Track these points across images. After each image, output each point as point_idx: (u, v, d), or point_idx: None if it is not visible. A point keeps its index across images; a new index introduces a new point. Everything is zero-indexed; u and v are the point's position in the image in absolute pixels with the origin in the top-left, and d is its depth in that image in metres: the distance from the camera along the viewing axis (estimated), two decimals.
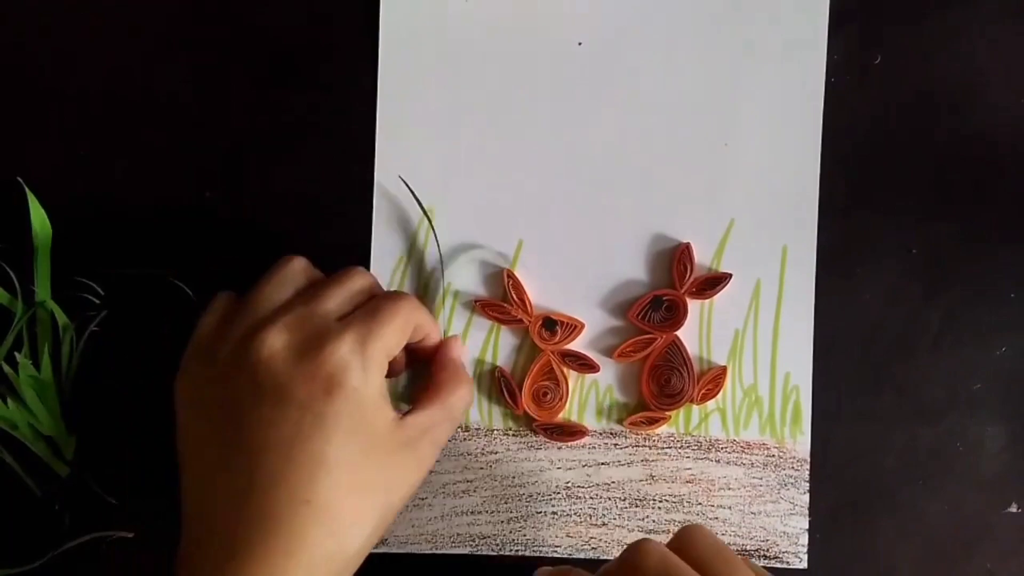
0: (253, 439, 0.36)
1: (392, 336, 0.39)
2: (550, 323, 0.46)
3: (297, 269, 0.41)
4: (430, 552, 0.46)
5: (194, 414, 0.39)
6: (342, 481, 0.37)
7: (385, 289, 0.45)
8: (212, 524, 0.37)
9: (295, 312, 0.38)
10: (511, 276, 0.46)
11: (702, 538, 0.37)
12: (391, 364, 0.41)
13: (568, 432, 0.46)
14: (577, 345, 0.46)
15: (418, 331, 0.42)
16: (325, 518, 0.36)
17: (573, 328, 0.46)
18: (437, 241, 0.46)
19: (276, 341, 0.37)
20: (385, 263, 0.47)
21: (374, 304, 0.40)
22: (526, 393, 0.46)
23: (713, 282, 0.46)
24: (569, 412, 0.46)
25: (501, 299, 0.46)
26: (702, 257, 0.46)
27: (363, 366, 0.38)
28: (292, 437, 0.36)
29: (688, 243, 0.46)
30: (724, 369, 0.46)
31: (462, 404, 0.42)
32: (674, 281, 0.46)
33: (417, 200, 0.46)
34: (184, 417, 0.39)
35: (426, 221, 0.46)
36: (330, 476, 0.36)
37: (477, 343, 0.46)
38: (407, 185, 0.46)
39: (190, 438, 0.39)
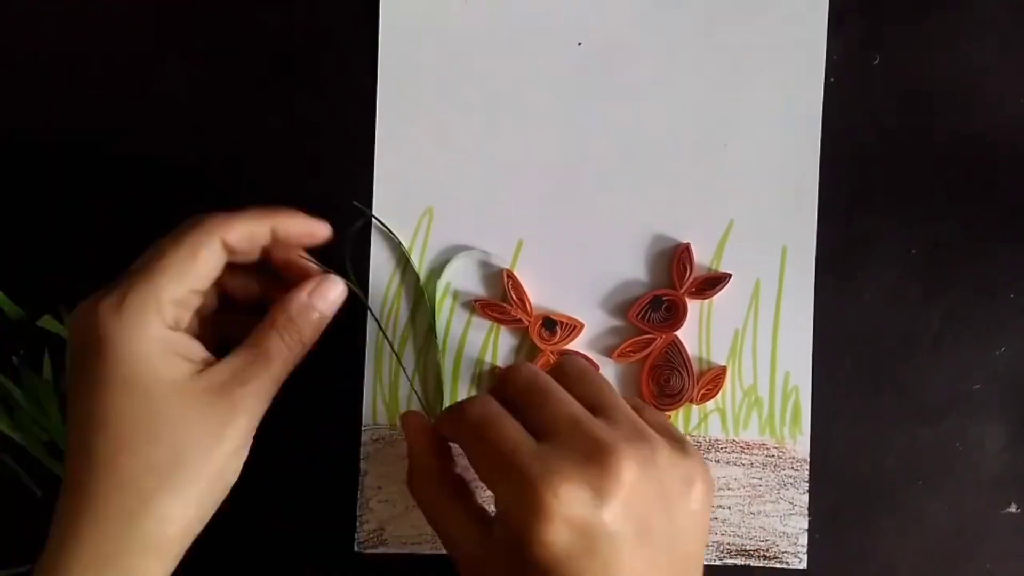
0: (71, 409, 0.38)
1: (161, 279, 0.37)
2: (550, 323, 0.46)
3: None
4: (430, 552, 0.46)
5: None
6: (119, 435, 0.36)
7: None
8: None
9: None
10: (511, 276, 0.46)
11: (572, 362, 0.40)
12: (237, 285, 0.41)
13: None
14: (577, 345, 0.46)
15: (242, 242, 0.39)
16: (105, 471, 0.36)
17: (573, 328, 0.46)
18: (410, 260, 0.46)
19: (78, 308, 0.38)
20: (384, 263, 0.47)
21: (151, 253, 0.38)
22: None
23: (713, 282, 0.46)
24: None
25: (501, 299, 0.46)
26: (702, 257, 0.46)
27: (119, 319, 0.36)
28: (74, 394, 0.37)
29: (688, 243, 0.46)
30: (724, 369, 0.46)
31: (279, 350, 0.39)
32: (674, 281, 0.46)
33: (388, 231, 0.46)
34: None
35: (426, 220, 0.46)
36: (104, 431, 0.36)
37: (477, 343, 0.46)
38: (380, 221, 0.46)
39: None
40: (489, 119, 0.47)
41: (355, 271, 0.46)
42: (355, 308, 0.46)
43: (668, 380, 0.46)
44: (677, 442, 0.37)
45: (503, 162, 0.47)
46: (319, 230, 0.42)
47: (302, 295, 0.40)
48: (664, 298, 0.46)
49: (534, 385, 0.37)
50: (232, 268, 0.41)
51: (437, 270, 0.47)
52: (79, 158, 0.47)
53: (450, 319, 0.46)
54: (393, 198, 0.47)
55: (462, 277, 0.47)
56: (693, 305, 0.46)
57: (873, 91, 0.47)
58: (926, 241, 0.46)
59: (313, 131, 0.47)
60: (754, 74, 0.47)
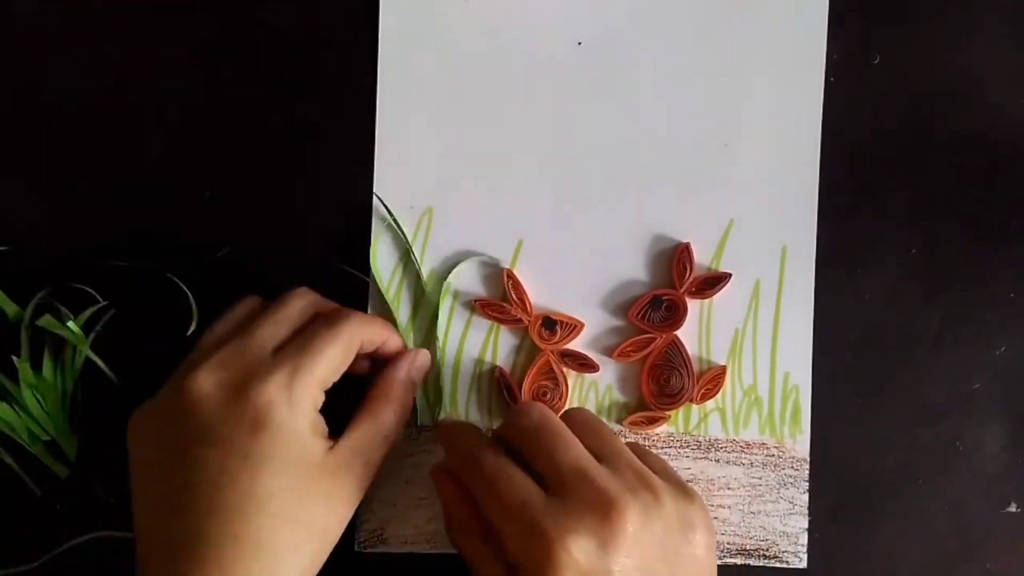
0: (186, 478, 0.38)
1: (324, 366, 0.39)
2: (550, 323, 0.46)
3: (247, 306, 0.43)
4: (430, 552, 0.46)
5: (139, 451, 0.40)
6: (273, 516, 0.37)
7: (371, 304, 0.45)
8: (154, 557, 0.38)
9: (229, 347, 0.39)
10: (511, 276, 0.46)
11: (578, 412, 0.42)
12: (355, 367, 0.42)
13: None
14: (577, 345, 0.46)
15: (368, 344, 0.42)
16: (256, 552, 0.37)
17: (573, 328, 0.46)
18: (418, 261, 0.46)
19: (206, 382, 0.38)
20: (385, 263, 0.47)
21: (310, 331, 0.40)
22: (526, 393, 0.46)
23: (713, 282, 0.46)
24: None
25: (501, 299, 0.46)
26: (702, 257, 0.46)
27: (290, 402, 0.38)
28: (218, 476, 0.37)
29: (688, 243, 0.46)
30: (724, 369, 0.46)
31: (391, 421, 0.41)
32: (674, 281, 0.46)
33: (398, 226, 0.46)
34: (132, 453, 0.40)
35: (425, 221, 0.47)
36: (260, 512, 0.37)
37: (477, 343, 0.46)
38: (387, 210, 0.46)
39: (136, 473, 0.40)
40: (489, 119, 0.47)
41: (358, 270, 0.46)
42: (356, 307, 0.46)
43: (668, 380, 0.46)
44: (679, 486, 0.39)
45: (503, 162, 0.47)
46: (421, 366, 0.45)
47: (403, 371, 0.43)
48: (664, 298, 0.46)
49: (543, 431, 0.39)
50: None
51: (438, 271, 0.47)
52: (78, 159, 0.47)
53: (450, 319, 0.47)
54: (393, 198, 0.47)
55: (463, 277, 0.47)
56: (693, 305, 0.46)
57: (873, 91, 0.47)
58: (926, 241, 0.46)
59: (313, 131, 0.47)
60: (754, 74, 0.47)
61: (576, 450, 0.38)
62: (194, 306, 0.46)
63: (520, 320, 0.46)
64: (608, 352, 0.46)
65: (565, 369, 0.46)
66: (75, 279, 0.46)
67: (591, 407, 0.46)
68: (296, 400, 0.38)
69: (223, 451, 0.37)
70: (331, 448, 0.39)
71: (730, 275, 0.46)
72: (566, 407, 0.46)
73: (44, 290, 0.46)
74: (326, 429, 0.40)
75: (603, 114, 0.47)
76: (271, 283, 0.46)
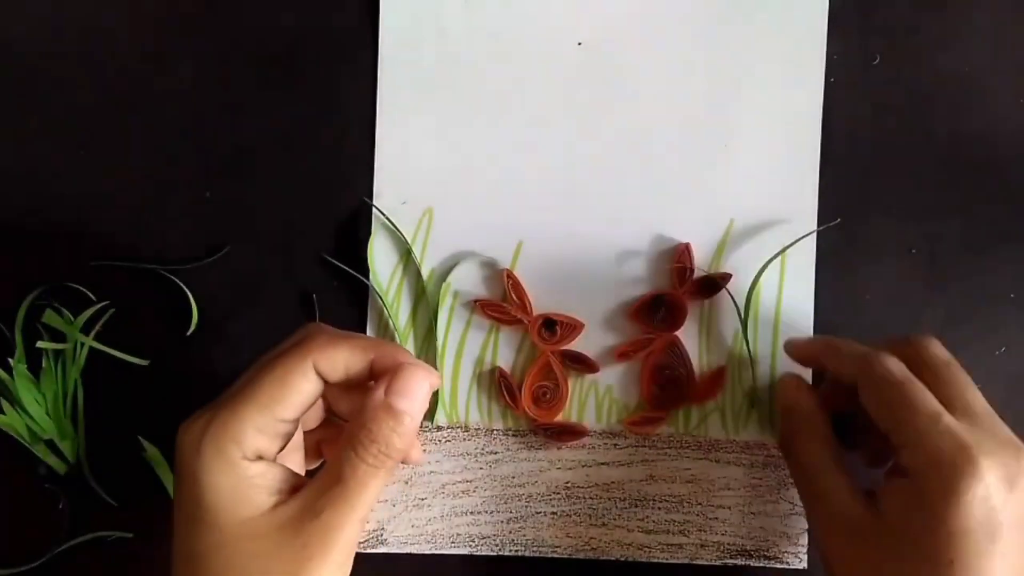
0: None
1: (246, 409, 0.34)
2: (550, 323, 0.46)
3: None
4: (430, 552, 0.46)
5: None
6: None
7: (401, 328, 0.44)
8: None
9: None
10: (511, 276, 0.46)
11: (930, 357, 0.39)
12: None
13: (568, 432, 0.46)
14: (577, 345, 0.46)
15: (339, 372, 0.36)
16: None
17: (573, 328, 0.46)
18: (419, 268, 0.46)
19: (195, 426, 0.35)
20: (385, 263, 0.47)
21: (248, 375, 0.36)
22: (526, 393, 0.46)
23: (713, 283, 0.46)
24: (569, 412, 0.46)
25: (501, 299, 0.46)
26: (702, 257, 0.46)
27: (199, 452, 0.34)
28: (174, 531, 0.36)
29: (688, 243, 0.46)
30: (723, 369, 0.46)
31: (353, 467, 0.34)
32: (674, 281, 0.46)
33: (395, 227, 0.46)
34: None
35: (425, 221, 0.47)
36: (177, 572, 0.35)
37: (477, 343, 0.46)
38: (382, 213, 0.46)
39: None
40: (489, 120, 0.47)
41: (358, 271, 0.46)
42: (355, 307, 0.46)
43: (668, 380, 0.46)
44: None
45: (503, 163, 0.47)
46: (425, 378, 0.36)
47: (377, 395, 0.35)
48: (664, 298, 0.46)
49: (952, 365, 0.39)
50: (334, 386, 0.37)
51: (438, 271, 0.46)
52: (77, 158, 0.47)
53: (450, 319, 0.46)
54: (393, 199, 0.47)
55: (463, 277, 0.47)
56: (693, 305, 0.46)
57: (873, 91, 0.47)
58: (926, 241, 0.46)
59: (313, 132, 0.47)
60: (754, 74, 0.47)
61: (982, 397, 0.38)
62: (194, 306, 0.46)
63: (520, 320, 0.46)
64: (608, 352, 0.46)
65: (565, 369, 0.46)
66: (73, 279, 0.46)
67: (591, 407, 0.46)
68: (205, 449, 0.34)
69: (175, 501, 0.36)
70: (277, 506, 0.35)
71: (730, 276, 0.46)
72: (566, 408, 0.46)
73: (39, 288, 0.46)
74: (283, 482, 0.35)
75: (603, 114, 0.47)
76: (270, 283, 0.46)
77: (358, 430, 0.34)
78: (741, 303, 0.46)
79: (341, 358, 0.35)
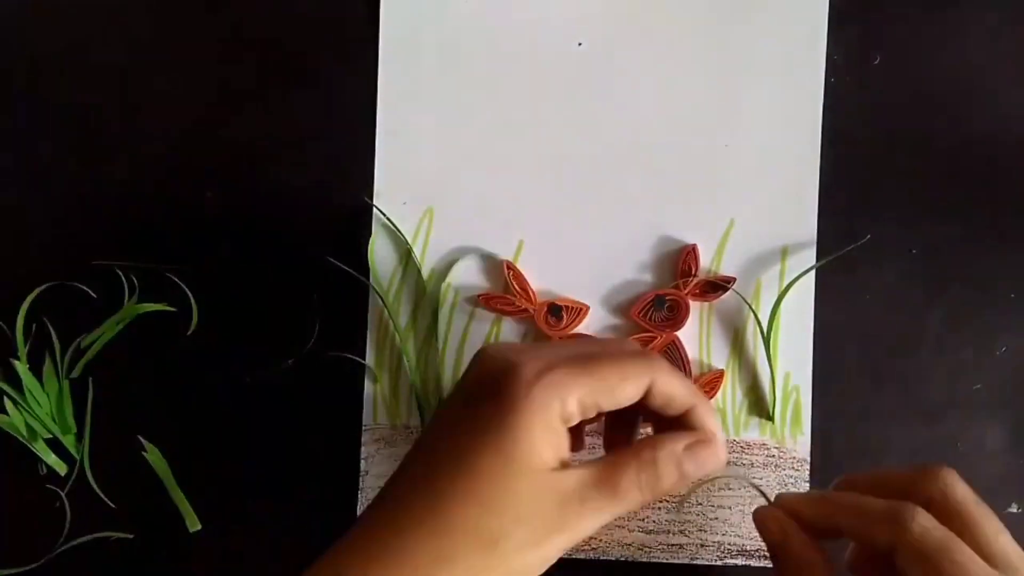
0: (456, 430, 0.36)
1: (588, 378, 0.36)
2: (555, 309, 0.46)
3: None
4: None
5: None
6: (487, 499, 0.34)
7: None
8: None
9: None
10: (511, 267, 0.46)
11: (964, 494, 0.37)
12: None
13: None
14: (583, 330, 0.46)
15: (658, 397, 0.37)
16: (451, 524, 0.34)
17: (579, 312, 0.46)
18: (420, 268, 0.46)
19: (496, 349, 0.37)
20: (385, 264, 0.47)
21: (607, 347, 0.38)
22: None
23: (716, 285, 0.46)
24: None
25: (503, 292, 0.46)
26: (703, 257, 0.46)
27: (531, 385, 0.35)
28: (460, 430, 0.36)
29: (694, 245, 0.46)
30: (721, 373, 0.46)
31: (628, 483, 0.36)
32: (678, 282, 0.46)
33: (395, 227, 0.46)
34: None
35: (426, 221, 0.47)
36: (470, 494, 0.35)
37: (480, 337, 0.46)
38: (383, 213, 0.46)
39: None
40: (489, 120, 0.47)
41: (357, 270, 0.46)
42: (356, 306, 0.46)
43: None
44: None
45: (503, 163, 0.47)
46: (718, 460, 0.37)
47: (678, 446, 0.36)
48: (667, 298, 0.46)
49: (981, 507, 0.36)
50: None
51: (438, 270, 0.46)
52: (77, 158, 0.47)
53: (451, 317, 0.46)
54: (393, 199, 0.47)
55: (463, 274, 0.47)
56: (694, 306, 0.46)
57: (873, 91, 0.47)
58: (926, 241, 0.46)
59: (313, 131, 0.47)
60: (754, 74, 0.47)
61: (1011, 538, 0.36)
62: (194, 306, 0.46)
63: (525, 310, 0.46)
64: None
65: None
66: (73, 279, 0.46)
67: None
68: (538, 387, 0.35)
69: (471, 406, 0.36)
70: (558, 470, 0.35)
71: (734, 279, 0.46)
72: None
73: (40, 287, 0.46)
74: (567, 451, 0.36)
75: (603, 115, 0.47)
76: (271, 283, 0.46)
77: (648, 458, 0.36)
78: (741, 303, 0.46)
79: (676, 396, 0.37)
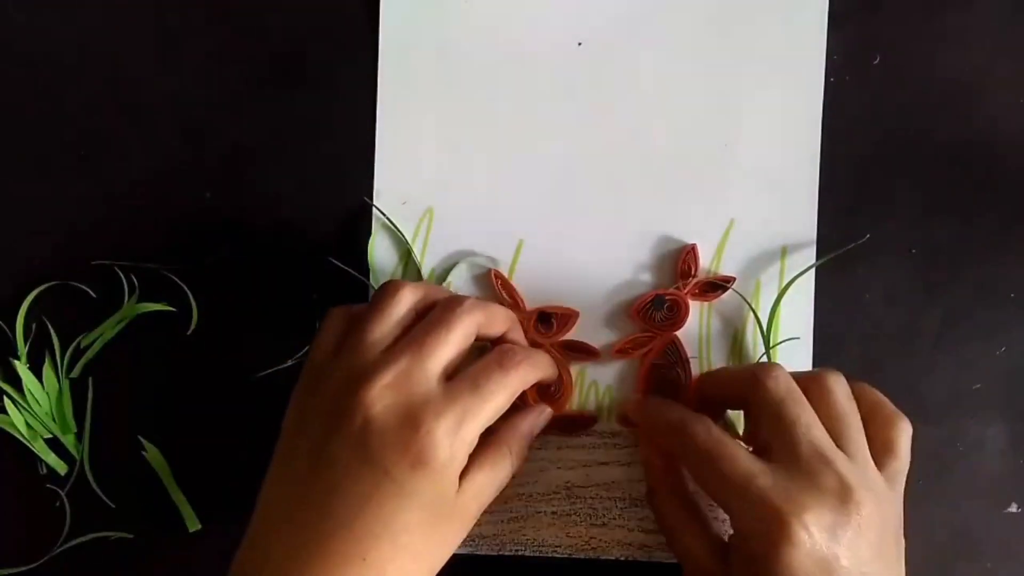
0: (333, 483, 0.37)
1: (490, 412, 0.39)
2: (544, 317, 0.46)
3: (404, 302, 0.40)
4: None
5: (294, 431, 0.40)
6: (401, 547, 0.37)
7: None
8: (273, 540, 0.38)
9: (399, 367, 0.38)
10: (498, 276, 0.46)
11: (830, 379, 0.40)
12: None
13: (577, 423, 0.46)
14: (575, 336, 0.46)
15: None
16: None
17: (568, 319, 0.46)
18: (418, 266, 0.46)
19: (378, 402, 0.38)
20: (385, 263, 0.47)
21: (483, 375, 0.39)
22: (530, 390, 0.45)
23: (716, 285, 0.46)
24: (573, 406, 0.46)
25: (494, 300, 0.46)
26: (702, 257, 0.46)
27: (452, 448, 0.38)
28: (368, 496, 0.37)
29: (694, 244, 0.46)
30: None
31: (507, 473, 0.41)
32: (677, 282, 0.46)
33: (395, 227, 0.46)
34: (286, 428, 0.40)
35: (425, 222, 0.46)
36: (392, 542, 0.37)
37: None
38: (383, 213, 0.46)
39: (284, 449, 0.40)
40: (489, 120, 0.47)
41: (357, 270, 0.46)
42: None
43: (666, 379, 0.46)
44: (893, 474, 0.40)
45: (504, 162, 0.47)
46: (541, 423, 0.45)
47: (525, 426, 0.43)
48: (667, 298, 0.46)
49: (785, 402, 0.39)
50: None
51: (438, 271, 0.46)
52: (77, 158, 0.47)
53: None
54: (393, 199, 0.47)
55: (458, 280, 0.46)
56: (694, 305, 0.46)
57: (873, 91, 0.47)
58: (926, 241, 0.46)
59: (313, 132, 0.47)
60: (754, 74, 0.47)
61: (817, 430, 0.38)
62: (194, 306, 0.46)
63: None
64: (606, 350, 0.46)
65: (567, 361, 0.46)
66: (74, 279, 0.46)
67: (591, 407, 0.46)
68: (458, 446, 0.38)
69: (380, 474, 0.37)
70: (459, 489, 0.39)
71: (734, 279, 0.46)
72: (570, 403, 0.46)
73: (40, 287, 0.46)
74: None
75: (603, 114, 0.47)
76: (270, 283, 0.46)
77: (513, 444, 0.42)
78: (741, 303, 0.46)
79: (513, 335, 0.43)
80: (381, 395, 0.37)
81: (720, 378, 0.43)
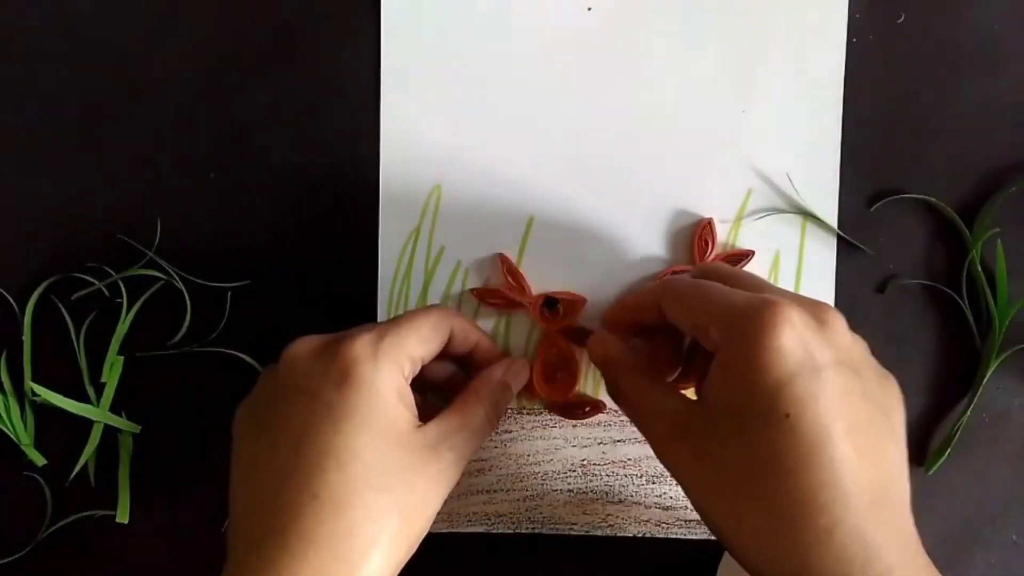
0: (273, 435, 0.37)
1: (411, 336, 0.39)
2: (551, 302, 0.45)
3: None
4: (446, 531, 0.46)
5: (238, 432, 0.39)
6: (354, 477, 0.36)
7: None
8: (242, 514, 0.37)
9: (348, 333, 0.39)
10: (504, 260, 0.45)
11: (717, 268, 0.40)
12: (432, 370, 0.42)
13: (581, 408, 0.45)
14: (585, 320, 0.45)
15: (457, 339, 0.42)
16: (335, 514, 0.35)
17: (575, 304, 0.45)
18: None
19: (304, 345, 0.38)
20: (393, 241, 0.45)
21: (404, 313, 0.40)
22: (537, 375, 0.45)
23: (734, 259, 0.45)
24: (584, 390, 0.46)
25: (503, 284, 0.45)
26: (719, 229, 0.45)
27: (375, 358, 0.37)
28: (304, 428, 0.36)
29: (711, 219, 0.45)
30: None
31: (480, 417, 0.40)
32: (695, 257, 0.45)
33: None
34: (234, 438, 0.39)
35: (434, 198, 0.45)
36: (341, 470, 0.36)
37: (487, 328, 0.46)
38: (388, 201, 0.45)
39: (234, 456, 0.39)
40: (497, 92, 0.45)
41: (365, 248, 0.45)
42: (363, 287, 0.46)
43: None
44: None
45: (512, 135, 0.45)
46: (517, 372, 0.44)
47: (497, 372, 0.42)
48: (683, 274, 0.45)
49: (743, 272, 0.40)
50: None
51: (448, 249, 0.45)
52: (75, 152, 0.46)
53: (460, 302, 0.46)
54: (400, 176, 0.45)
55: (471, 263, 0.45)
56: None
57: (898, 51, 0.45)
58: (953, 205, 0.45)
59: (317, 110, 0.46)
60: (773, 35, 0.45)
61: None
62: (189, 305, 0.45)
63: (520, 304, 0.45)
64: None
65: (574, 346, 0.45)
66: (73, 279, 0.46)
67: (602, 390, 0.45)
68: (381, 357, 0.37)
69: (309, 404, 0.36)
70: (419, 427, 0.38)
71: (752, 252, 0.45)
72: (580, 385, 0.46)
73: (41, 287, 0.46)
74: (414, 405, 0.39)
75: (615, 81, 0.45)
76: (274, 265, 0.46)
77: (487, 393, 0.41)
78: (760, 275, 0.45)
79: (471, 334, 0.43)
80: (308, 340, 0.38)
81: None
